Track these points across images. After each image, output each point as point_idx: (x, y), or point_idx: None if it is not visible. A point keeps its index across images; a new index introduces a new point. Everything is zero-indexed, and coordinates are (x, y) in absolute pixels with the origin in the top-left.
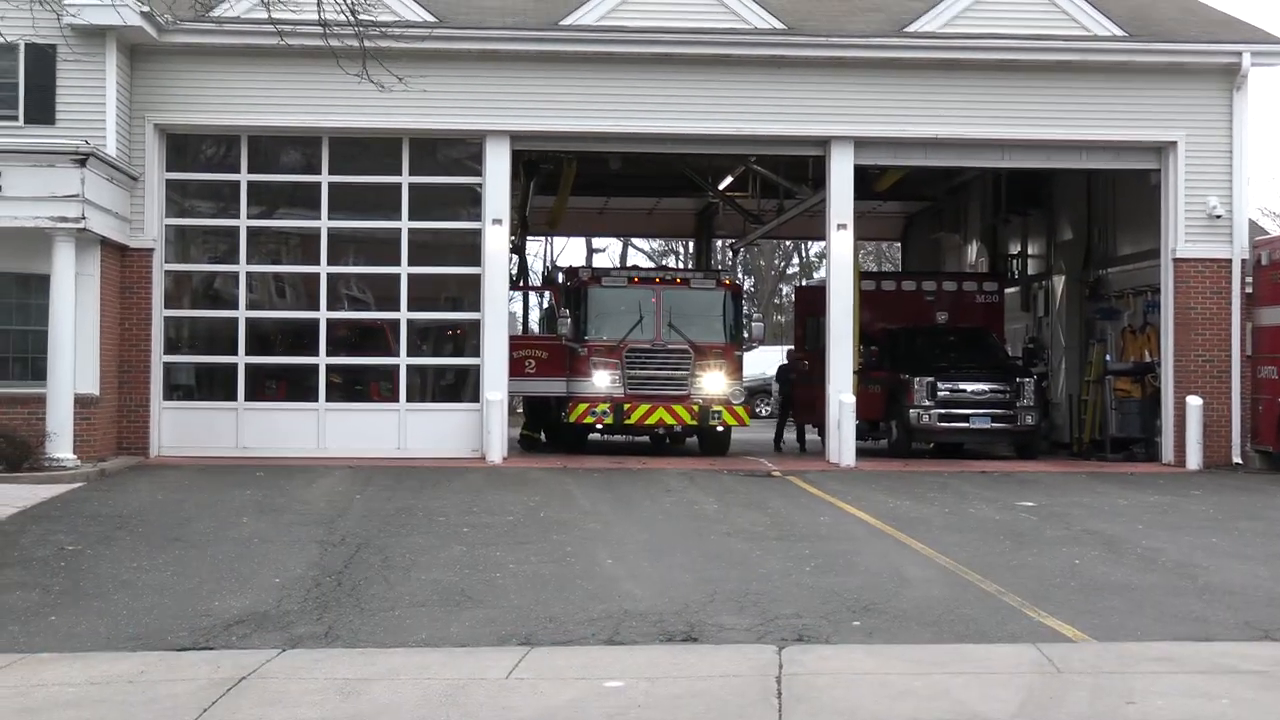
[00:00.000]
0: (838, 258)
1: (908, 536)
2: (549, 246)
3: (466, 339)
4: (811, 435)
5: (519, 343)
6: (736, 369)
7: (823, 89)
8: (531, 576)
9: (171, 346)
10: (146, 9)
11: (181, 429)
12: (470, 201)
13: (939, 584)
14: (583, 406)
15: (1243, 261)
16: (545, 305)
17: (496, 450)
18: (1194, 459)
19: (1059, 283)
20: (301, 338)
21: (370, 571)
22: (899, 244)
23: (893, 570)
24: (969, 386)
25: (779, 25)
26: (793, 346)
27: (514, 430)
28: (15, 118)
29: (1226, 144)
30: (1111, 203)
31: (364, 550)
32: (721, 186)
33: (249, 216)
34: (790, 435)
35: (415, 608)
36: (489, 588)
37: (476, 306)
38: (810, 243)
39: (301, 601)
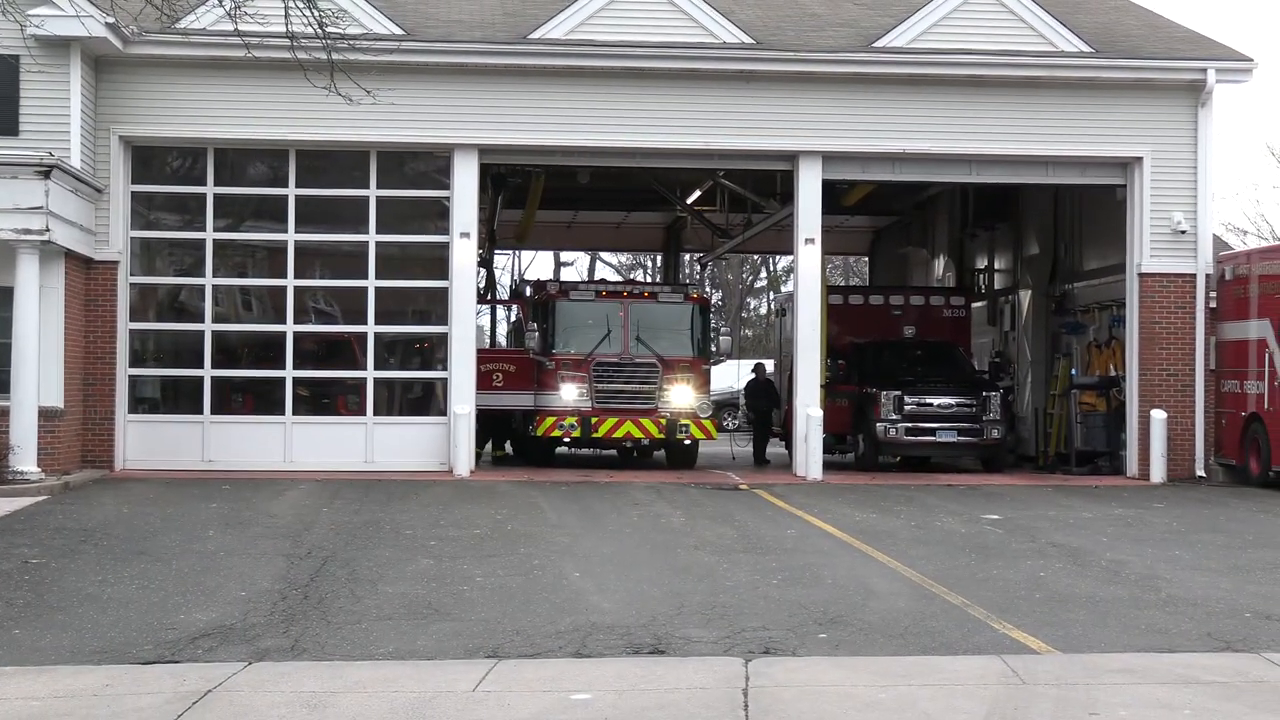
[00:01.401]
0: (806, 272)
1: (874, 549)
2: (517, 260)
3: (434, 352)
4: (778, 449)
5: (486, 356)
6: (705, 382)
7: (791, 104)
8: (499, 589)
9: (137, 359)
10: (111, 20)
11: (147, 442)
12: (438, 215)
13: (905, 596)
14: (550, 420)
15: (1207, 276)
16: (513, 319)
17: (463, 463)
18: (1158, 472)
19: (1025, 297)
20: (268, 351)
21: (337, 584)
22: (867, 258)
23: (859, 583)
24: (936, 400)
25: (748, 40)
26: (760, 361)
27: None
28: None
29: (1191, 160)
30: (1078, 218)
31: (330, 563)
32: (690, 201)
33: (215, 229)
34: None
35: (382, 621)
36: (456, 600)
37: (444, 320)
38: (778, 257)
39: (268, 615)
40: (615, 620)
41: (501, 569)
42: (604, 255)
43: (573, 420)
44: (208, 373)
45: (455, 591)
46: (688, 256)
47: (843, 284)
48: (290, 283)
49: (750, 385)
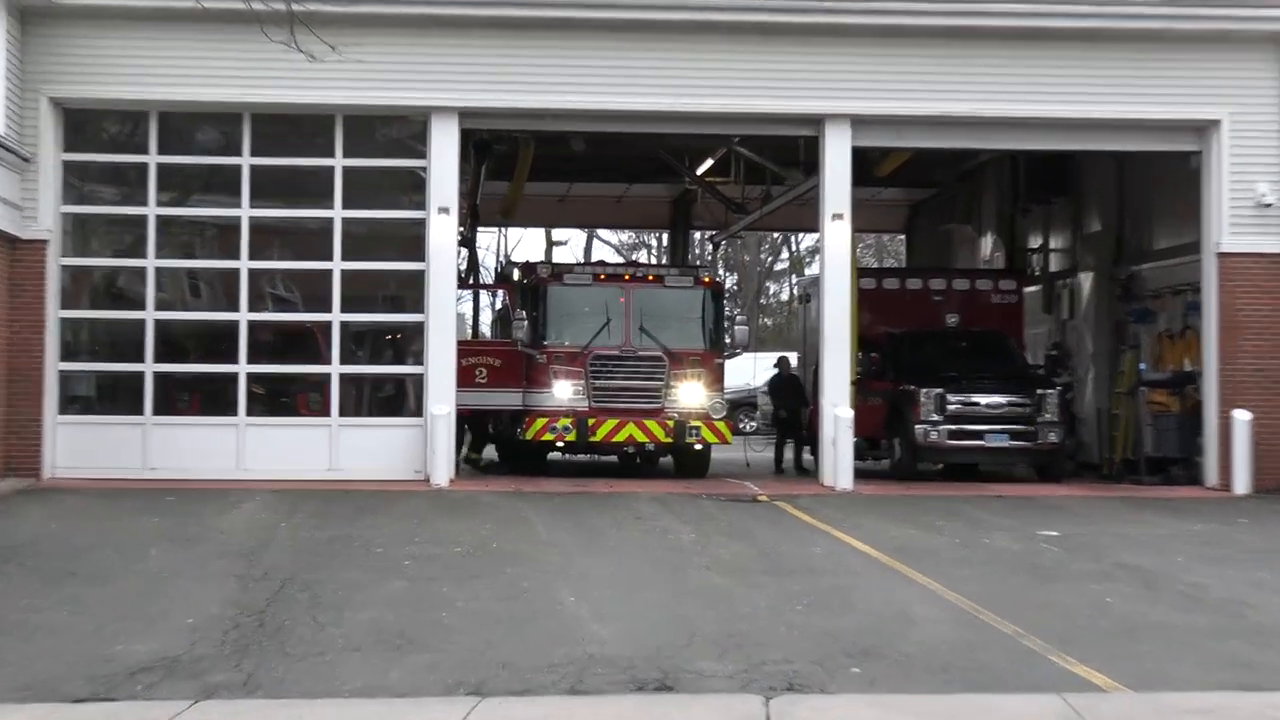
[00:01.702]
0: (833, 252)
1: (914, 570)
2: (502, 239)
3: (408, 344)
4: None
5: (468, 349)
6: (717, 379)
7: (817, 60)
8: (483, 616)
9: (69, 352)
10: None
11: (80, 447)
12: (413, 188)
13: (949, 624)
14: (541, 421)
15: None
16: (499, 306)
17: (442, 471)
18: (1241, 482)
19: (1086, 280)
20: (219, 343)
21: (297, 610)
22: (903, 236)
23: (897, 609)
24: (983, 399)
25: None
26: (784, 354)
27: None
28: None
29: (1277, 123)
30: (1146, 189)
31: (290, 586)
32: (700, 171)
33: (159, 204)
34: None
35: (349, 652)
36: (434, 629)
37: (420, 307)
38: (802, 235)
39: (218, 645)
40: (616, 651)
41: (486, 592)
42: (602, 233)
43: (567, 422)
44: (150, 368)
45: (433, 618)
46: (698, 235)
47: (876, 266)
48: (244, 265)
49: (773, 382)
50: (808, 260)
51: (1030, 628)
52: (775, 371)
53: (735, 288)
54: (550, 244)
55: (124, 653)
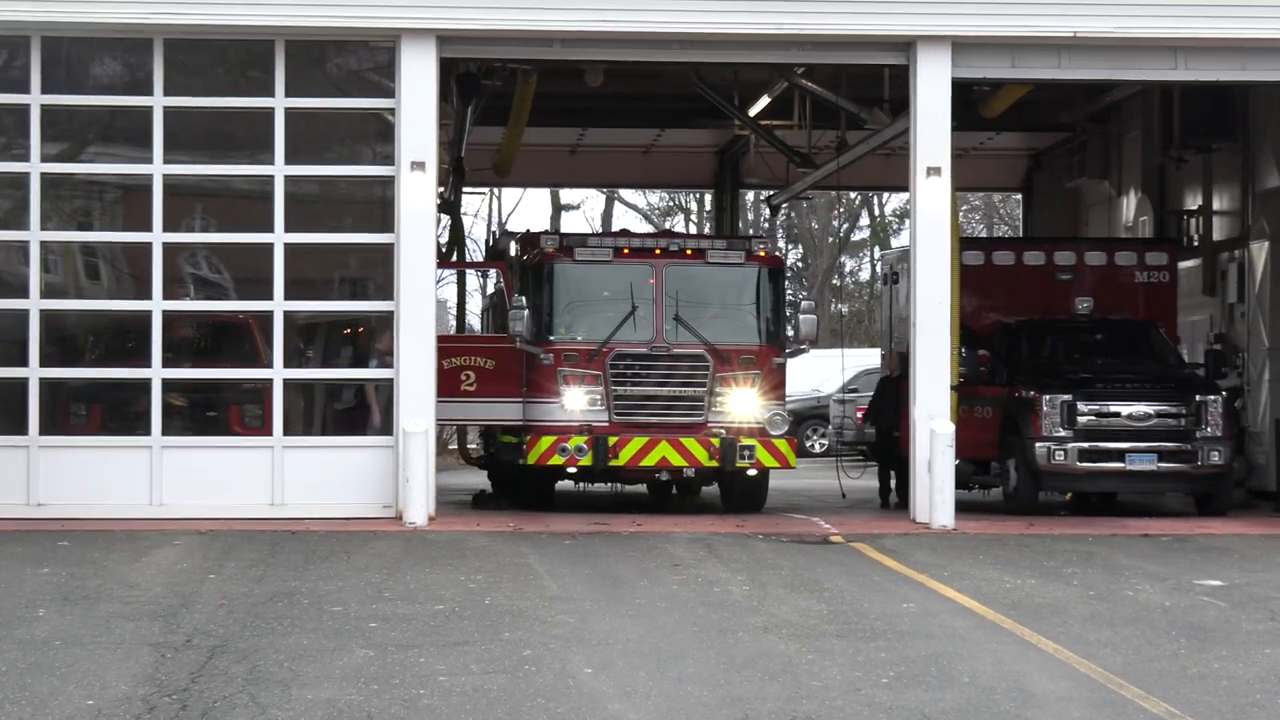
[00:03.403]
0: (928, 217)
1: (1033, 632)
2: (494, 203)
3: (373, 340)
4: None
5: (452, 346)
6: (777, 384)
7: None
8: (472, 694)
9: None
10: None
11: None
12: (378, 136)
13: (1082, 704)
14: (548, 441)
15: None
16: (491, 290)
17: (420, 505)
18: None
19: (1261, 252)
20: (125, 340)
21: (231, 688)
22: (1018, 196)
23: (1012, 682)
24: (1125, 408)
25: None
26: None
27: (455, 478)
28: None
29: None
30: None
31: (221, 656)
32: (753, 112)
33: (44, 158)
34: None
35: None
36: (408, 711)
37: (389, 292)
38: (886, 195)
39: None
40: None
41: (476, 663)
42: (625, 194)
43: (581, 441)
44: (34, 372)
45: (407, 697)
46: (750, 196)
47: (984, 235)
48: (158, 237)
49: (882, 386)
50: (895, 227)
51: (1187, 706)
52: (884, 374)
53: (799, 265)
54: (558, 208)
55: None
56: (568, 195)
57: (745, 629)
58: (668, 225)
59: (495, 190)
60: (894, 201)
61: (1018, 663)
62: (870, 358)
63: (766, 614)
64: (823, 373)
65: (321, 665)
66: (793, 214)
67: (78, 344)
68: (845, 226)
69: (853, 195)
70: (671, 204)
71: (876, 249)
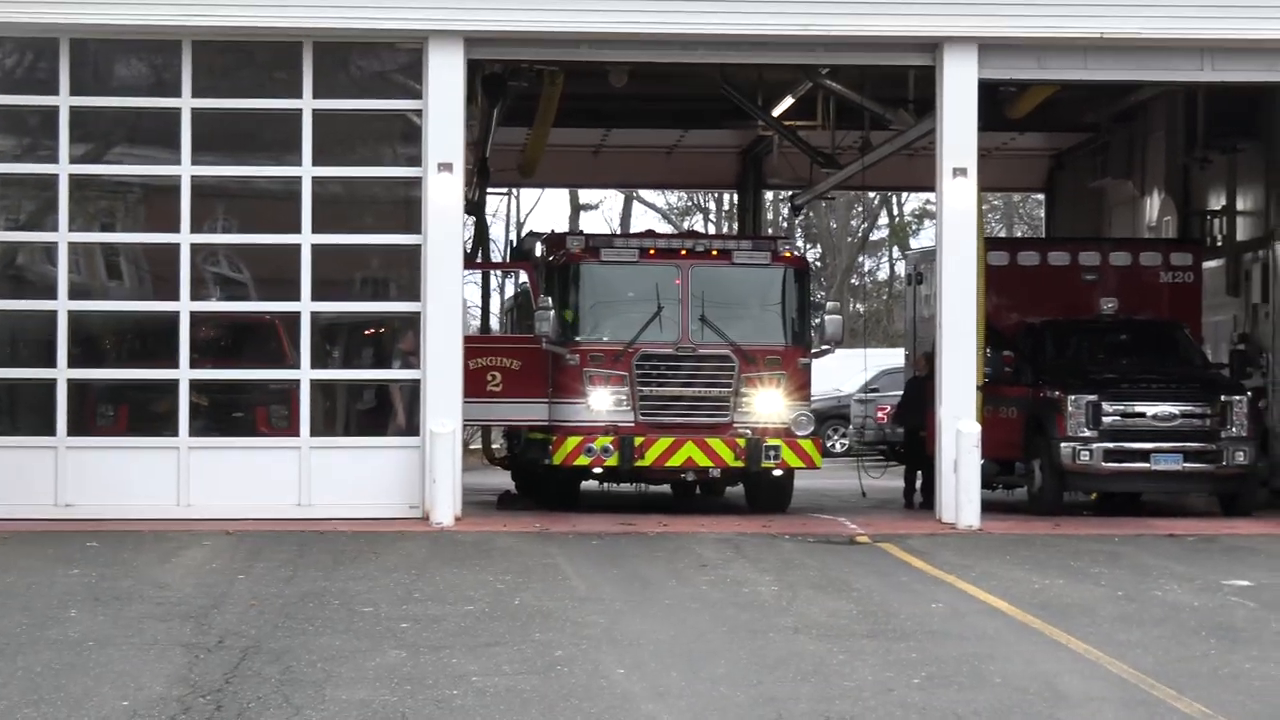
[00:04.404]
0: (954, 217)
1: (1063, 632)
2: (513, 204)
3: (398, 341)
4: None
5: (478, 347)
6: (802, 384)
7: None
8: (505, 695)
9: None
10: None
11: None
12: (404, 137)
13: (1114, 704)
14: (574, 441)
15: None
16: (516, 291)
17: (446, 506)
18: None
19: None
20: (153, 341)
21: (265, 689)
22: (1041, 196)
23: (1043, 683)
24: (1150, 409)
25: None
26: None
27: (479, 478)
28: None
29: None
30: None
31: (254, 657)
32: (777, 112)
33: (73, 159)
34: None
35: None
36: (443, 711)
37: (415, 293)
38: (907, 195)
39: None
40: None
41: (508, 664)
42: (645, 195)
43: (607, 441)
44: (62, 373)
45: (440, 698)
46: (772, 196)
47: (1005, 235)
48: (185, 239)
49: (911, 385)
50: (914, 227)
51: (1219, 707)
52: (913, 375)
53: (817, 264)
54: (576, 208)
55: None
56: (586, 195)
57: (775, 629)
58: (686, 225)
59: (514, 190)
60: (913, 201)
61: (1048, 663)
62: (891, 358)
63: (796, 614)
64: (843, 373)
65: (354, 666)
66: (811, 214)
67: (104, 345)
68: (864, 226)
69: (873, 196)
70: (690, 204)
71: (895, 249)
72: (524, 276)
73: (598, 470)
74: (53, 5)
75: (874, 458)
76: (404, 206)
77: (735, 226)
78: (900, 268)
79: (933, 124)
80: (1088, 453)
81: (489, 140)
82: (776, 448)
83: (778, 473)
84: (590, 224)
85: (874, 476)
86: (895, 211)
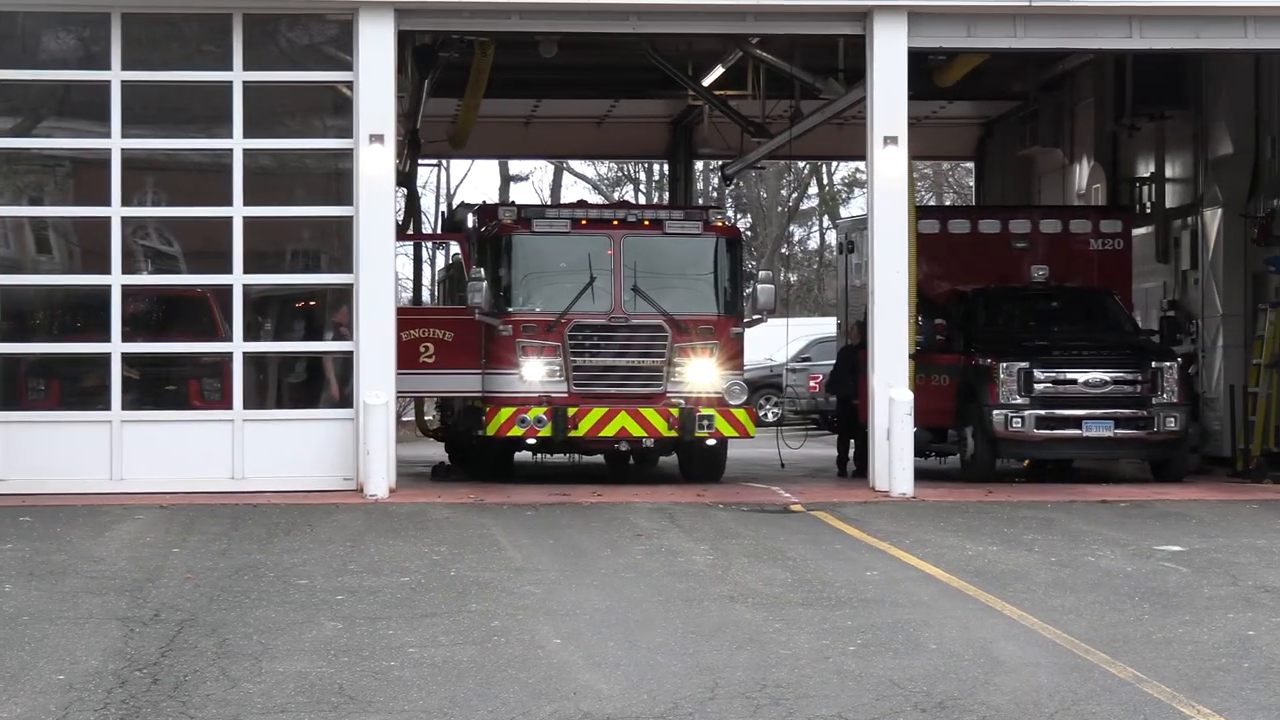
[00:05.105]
0: (885, 185)
1: (997, 598)
2: (443, 175)
3: (331, 313)
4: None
5: (410, 318)
6: (735, 354)
7: None
8: (442, 665)
9: None
10: None
11: None
12: (335, 109)
13: (1048, 669)
14: (507, 412)
15: None
16: (448, 262)
17: (381, 478)
18: None
19: (1213, 219)
20: (84, 315)
21: (201, 662)
22: (971, 165)
23: (978, 649)
24: (1081, 375)
25: None
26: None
27: (413, 450)
28: None
29: None
30: None
31: (189, 630)
32: (708, 82)
33: (0, 133)
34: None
35: (272, 714)
36: (380, 683)
37: (347, 264)
38: (837, 164)
39: (99, 709)
40: (619, 710)
41: (445, 635)
42: (574, 164)
43: (540, 412)
44: None
45: (378, 669)
46: (702, 166)
47: (936, 204)
48: (115, 212)
49: (844, 354)
50: (844, 196)
51: (1152, 671)
52: (845, 344)
53: (749, 233)
54: (507, 179)
55: None
56: (516, 166)
57: (711, 598)
58: (617, 195)
59: (445, 162)
60: (843, 170)
61: (983, 629)
62: (823, 327)
63: (731, 583)
64: (775, 342)
65: (291, 638)
66: (741, 184)
67: (35, 319)
68: (795, 196)
69: (803, 165)
70: (620, 174)
71: (826, 218)
72: (456, 248)
73: (531, 441)
74: None
75: (802, 427)
76: (335, 178)
77: (666, 197)
78: (831, 237)
79: (863, 93)
80: (1020, 420)
81: (420, 112)
82: (710, 417)
83: (711, 442)
84: (521, 195)
85: (792, 447)
86: (825, 181)
